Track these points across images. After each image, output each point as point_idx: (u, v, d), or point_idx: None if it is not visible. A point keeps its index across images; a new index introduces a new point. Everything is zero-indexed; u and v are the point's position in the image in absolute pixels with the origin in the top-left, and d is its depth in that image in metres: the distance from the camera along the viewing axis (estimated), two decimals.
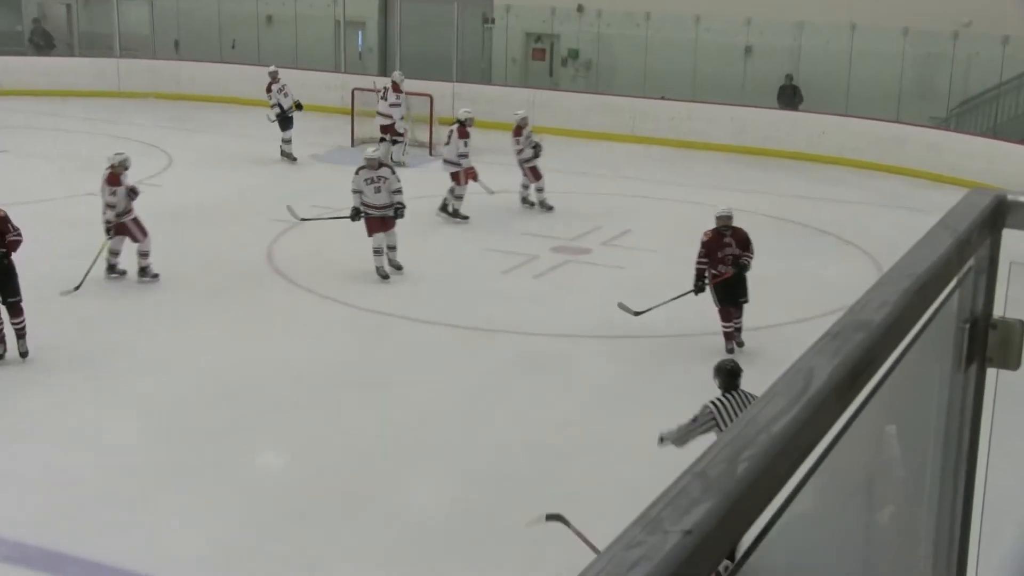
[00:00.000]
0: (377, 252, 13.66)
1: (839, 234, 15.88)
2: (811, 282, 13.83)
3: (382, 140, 20.00)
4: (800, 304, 12.77)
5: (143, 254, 13.10)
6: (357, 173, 13.86)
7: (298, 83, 25.22)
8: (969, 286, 1.92)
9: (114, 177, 12.89)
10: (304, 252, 14.67)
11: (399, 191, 13.89)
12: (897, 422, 1.77)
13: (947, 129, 21.33)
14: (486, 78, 26.08)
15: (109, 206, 12.88)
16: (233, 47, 27.99)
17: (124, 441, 9.12)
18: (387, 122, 20.37)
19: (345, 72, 26.09)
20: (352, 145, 21.66)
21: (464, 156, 16.57)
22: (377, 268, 13.58)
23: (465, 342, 11.66)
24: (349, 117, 22.23)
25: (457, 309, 12.48)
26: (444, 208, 16.62)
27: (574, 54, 26.13)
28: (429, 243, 15.31)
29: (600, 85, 25.10)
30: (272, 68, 20.53)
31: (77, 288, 12.25)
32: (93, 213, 13.32)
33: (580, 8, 25.69)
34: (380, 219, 13.66)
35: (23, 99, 25.17)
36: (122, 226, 12.98)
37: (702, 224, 16.68)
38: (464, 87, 24.13)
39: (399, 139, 20.49)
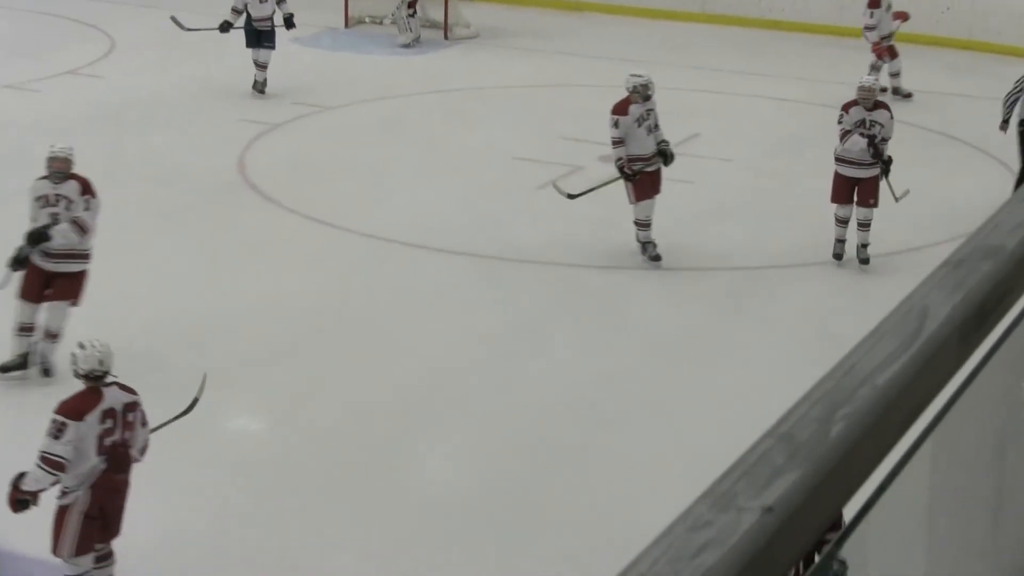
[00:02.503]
0: None
1: (969, 140, 15.69)
2: (932, 200, 13.69)
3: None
4: (917, 226, 12.70)
5: None
6: None
7: None
8: None
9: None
10: (284, 161, 14.68)
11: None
12: None
13: None
14: None
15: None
16: None
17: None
18: None
19: None
20: (346, 26, 21.55)
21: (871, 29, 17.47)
22: None
23: (489, 276, 11.66)
24: None
25: (479, 234, 12.47)
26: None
27: None
28: (448, 152, 15.28)
29: None
30: None
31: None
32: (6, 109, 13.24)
33: None
34: None
35: None
36: None
37: (788, 127, 16.69)
38: None
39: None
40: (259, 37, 16.78)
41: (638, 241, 11.84)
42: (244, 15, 16.74)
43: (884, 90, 16.77)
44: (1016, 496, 2.07)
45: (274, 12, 16.76)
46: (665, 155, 11.85)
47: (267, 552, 7.69)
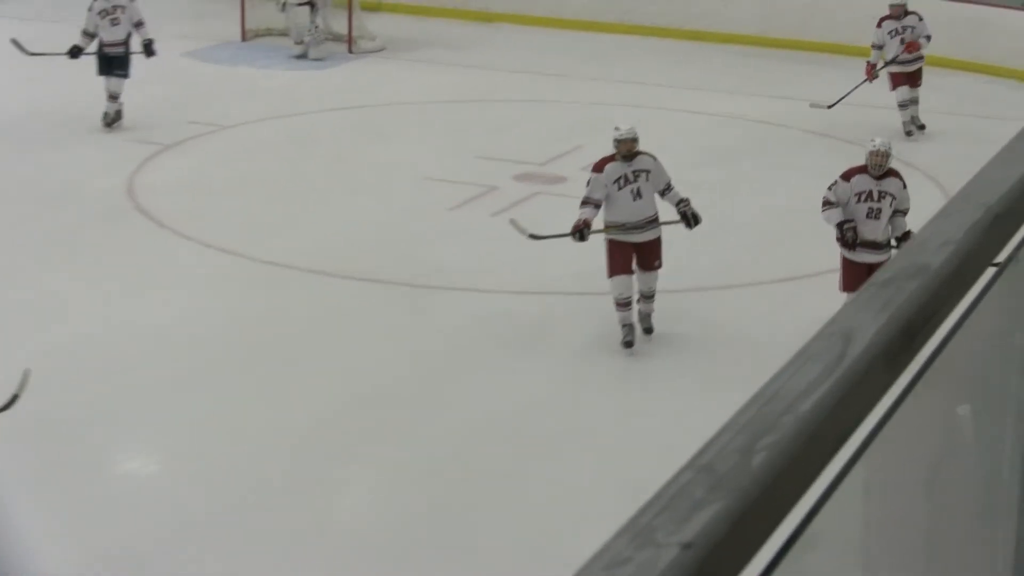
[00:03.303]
0: None
1: (897, 152, 15.89)
2: None
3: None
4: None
5: None
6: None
7: None
8: None
9: None
10: (178, 183, 14.59)
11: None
12: (968, 399, 1.79)
13: None
14: None
15: None
16: None
17: None
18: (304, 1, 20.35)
19: None
20: (243, 39, 21.48)
21: (928, 38, 16.42)
22: None
23: (400, 303, 11.64)
24: (236, 1, 22.00)
25: (388, 259, 12.45)
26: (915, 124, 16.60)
27: None
28: (354, 173, 15.26)
29: None
30: None
31: None
32: None
33: None
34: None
35: None
36: None
37: (714, 139, 16.81)
38: None
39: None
40: (111, 64, 15.91)
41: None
42: (96, 39, 15.86)
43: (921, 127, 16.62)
44: (951, 523, 2.10)
45: (129, 36, 16.00)
46: (686, 218, 10.62)
47: None
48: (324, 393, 9.89)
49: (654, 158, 10.54)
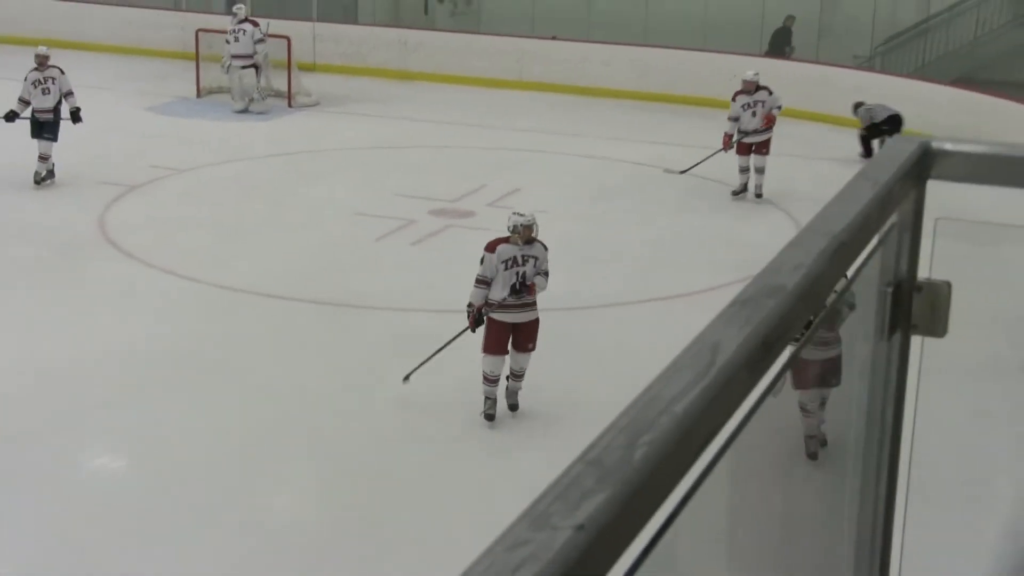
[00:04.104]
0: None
1: (753, 188, 16.10)
2: (723, 244, 14.03)
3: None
4: (712, 269, 12.93)
5: None
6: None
7: (131, 22, 24.89)
8: (892, 245, 1.96)
9: None
10: (142, 219, 14.44)
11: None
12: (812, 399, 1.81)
13: (871, 70, 21.74)
14: (351, 16, 25.87)
15: None
16: None
17: None
18: (249, 62, 20.31)
19: (185, 10, 25.65)
20: (198, 95, 21.33)
21: (780, 108, 15.80)
22: None
23: (332, 321, 11.58)
24: (191, 63, 21.83)
25: (323, 283, 12.39)
26: (744, 189, 15.89)
27: None
28: (292, 209, 15.18)
29: (481, 24, 25.05)
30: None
31: None
32: None
33: None
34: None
35: None
36: None
37: (600, 179, 16.92)
38: (326, 27, 23.90)
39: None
40: (42, 128, 15.29)
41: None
42: (29, 106, 15.32)
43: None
44: (802, 505, 2.11)
45: (59, 104, 15.44)
46: (520, 286, 9.30)
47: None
48: (261, 402, 9.79)
49: (545, 247, 9.52)
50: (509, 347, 9.43)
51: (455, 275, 12.45)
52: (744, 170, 15.70)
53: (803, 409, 4.44)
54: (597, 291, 12.42)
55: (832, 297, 1.64)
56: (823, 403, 4.77)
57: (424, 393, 9.70)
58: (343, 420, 9.54)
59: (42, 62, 15.41)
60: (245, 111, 20.29)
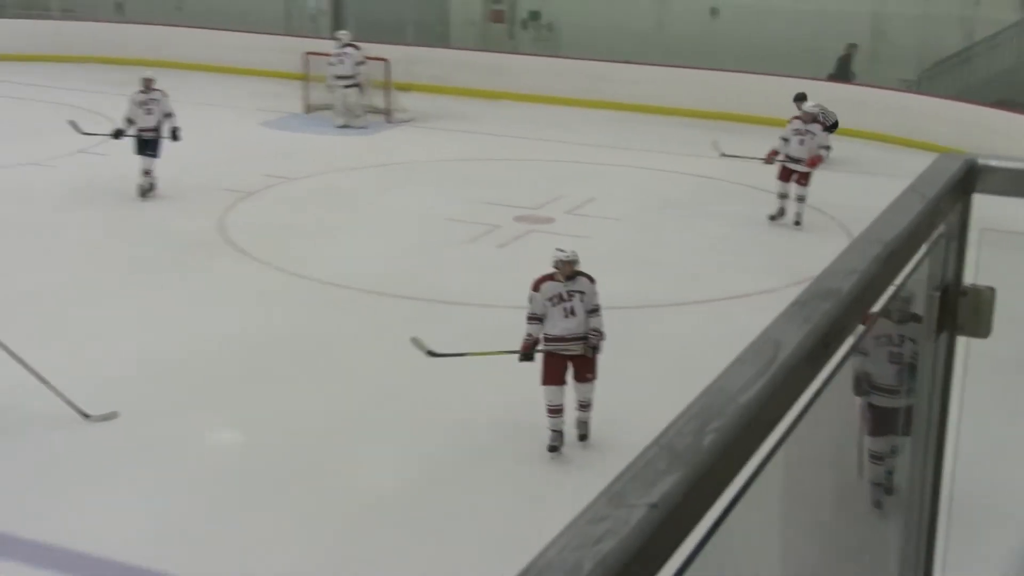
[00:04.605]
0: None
1: (793, 216, 15.93)
2: (775, 251, 13.92)
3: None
4: (767, 273, 12.85)
5: None
6: None
7: (246, 46, 25.19)
8: (939, 253, 1.95)
9: None
10: (257, 222, 14.59)
11: None
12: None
13: (916, 92, 21.44)
14: (443, 41, 25.96)
15: None
16: (179, 9, 27.77)
17: (69, 412, 9.01)
18: (352, 82, 20.54)
19: (295, 35, 25.89)
20: (306, 112, 21.53)
21: (828, 148, 15.14)
22: None
23: (423, 315, 11.62)
24: (299, 82, 22.05)
25: (415, 281, 12.45)
26: (781, 214, 15.01)
27: (534, 16, 26.05)
28: (390, 214, 15.27)
29: (561, 48, 25.03)
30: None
31: None
32: (31, 181, 13.13)
33: None
34: None
35: None
36: None
37: (667, 190, 16.84)
38: (421, 51, 24.02)
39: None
40: (144, 145, 15.25)
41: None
42: (134, 125, 15.26)
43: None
44: (851, 488, 2.09)
45: (160, 123, 15.26)
46: (588, 345, 8.67)
47: (236, 539, 7.58)
48: (360, 386, 9.85)
49: (591, 280, 8.80)
50: (571, 379, 8.75)
51: (536, 275, 12.46)
52: (783, 196, 14.99)
53: (873, 456, 4.05)
54: (658, 292, 12.38)
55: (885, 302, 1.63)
56: (893, 451, 4.10)
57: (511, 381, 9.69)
58: (429, 404, 9.58)
59: (147, 85, 15.38)
60: (347, 126, 20.43)
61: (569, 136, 20.12)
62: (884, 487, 2.28)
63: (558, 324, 8.61)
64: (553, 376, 8.67)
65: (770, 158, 15.15)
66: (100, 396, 9.24)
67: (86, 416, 8.94)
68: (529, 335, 8.69)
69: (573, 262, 8.72)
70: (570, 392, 8.78)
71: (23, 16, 27.77)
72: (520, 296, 11.85)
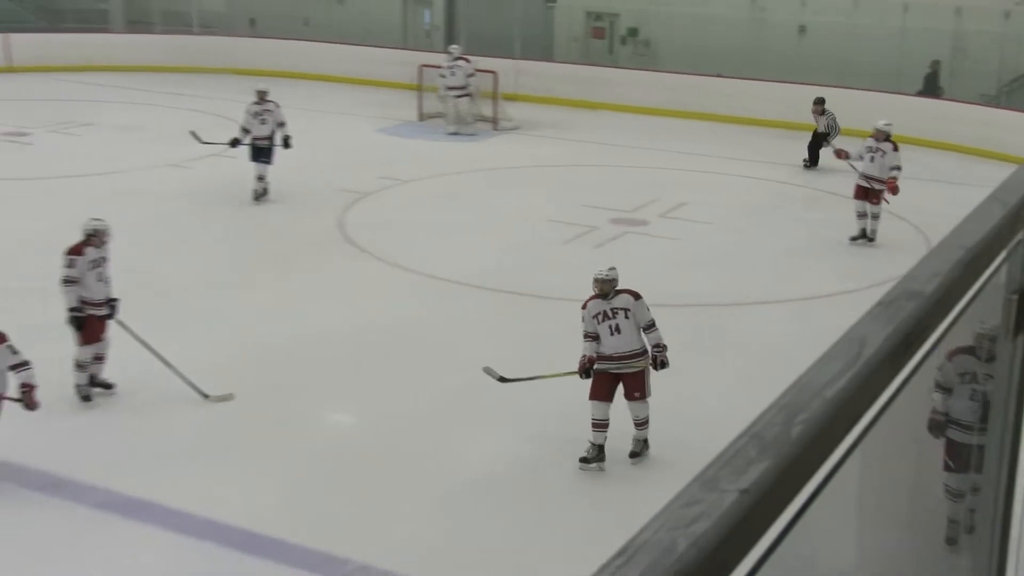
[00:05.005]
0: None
1: (888, 207, 15.65)
2: (859, 254, 13.70)
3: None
4: (848, 275, 12.66)
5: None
6: None
7: (366, 59, 25.48)
8: (1018, 258, 1.90)
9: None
10: (372, 221, 14.74)
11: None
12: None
13: (996, 106, 20.93)
14: (547, 55, 25.97)
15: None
16: (306, 24, 28.20)
17: (191, 393, 9.18)
18: (463, 93, 20.70)
19: (410, 49, 26.11)
20: (420, 120, 21.70)
21: (898, 169, 14.08)
22: None
23: (524, 308, 11.65)
24: (414, 92, 22.24)
25: (517, 277, 12.48)
26: (863, 235, 14.18)
27: (633, 33, 25.96)
28: (495, 214, 15.32)
29: (657, 63, 24.89)
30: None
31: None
32: (168, 181, 13.31)
33: None
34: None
35: (109, 74, 25.47)
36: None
37: (754, 196, 16.66)
38: (526, 64, 24.06)
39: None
40: (259, 153, 15.26)
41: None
42: (249, 134, 15.25)
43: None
44: (928, 479, 2.05)
45: (273, 133, 15.24)
46: (656, 361, 8.24)
47: (353, 511, 7.66)
48: (466, 373, 9.87)
49: (636, 297, 8.27)
50: (623, 397, 8.28)
51: (630, 274, 12.36)
52: (861, 215, 14.15)
53: (953, 493, 3.29)
54: (745, 291, 12.26)
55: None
56: (975, 489, 3.66)
57: None
58: (529, 391, 9.58)
59: (261, 97, 15.40)
60: (457, 133, 20.54)
61: (663, 144, 20.00)
62: (963, 525, 2.16)
63: (606, 342, 8.17)
64: (598, 392, 8.20)
65: (841, 154, 14.72)
66: (220, 379, 9.41)
67: (205, 396, 9.11)
68: (583, 354, 8.22)
69: (608, 280, 8.23)
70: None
71: (169, 32, 28.45)
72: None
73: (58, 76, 24.89)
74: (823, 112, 18.05)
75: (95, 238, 9.21)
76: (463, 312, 11.53)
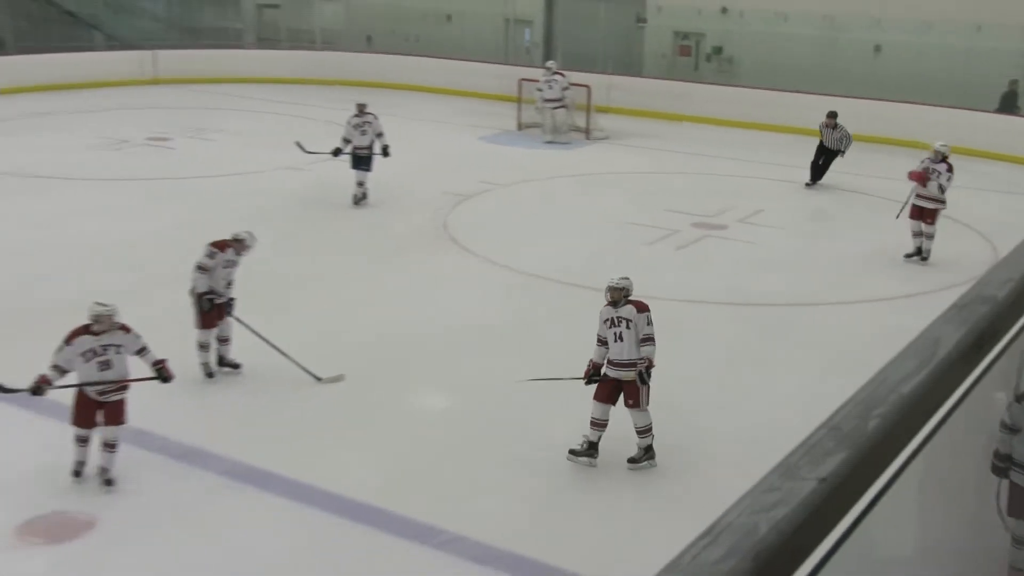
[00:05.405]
0: None
1: (953, 216, 15.26)
2: (936, 259, 13.38)
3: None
4: (913, 279, 12.40)
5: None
6: None
7: (470, 73, 25.60)
8: None
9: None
10: (473, 221, 14.78)
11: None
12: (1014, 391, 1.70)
13: None
14: (637, 71, 25.81)
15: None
16: (417, 41, 28.44)
17: (304, 376, 9.29)
18: (559, 104, 20.69)
19: (512, 64, 26.16)
20: (518, 129, 21.73)
21: (943, 190, 13.29)
22: None
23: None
24: (513, 104, 22.29)
25: (602, 274, 12.37)
26: (918, 252, 13.37)
27: (717, 51, 25.70)
28: (585, 217, 15.28)
29: (740, 79, 24.59)
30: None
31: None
32: (282, 183, 13.40)
33: (724, 10, 25.28)
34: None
35: (240, 86, 25.96)
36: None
37: (826, 204, 16.37)
38: (618, 79, 23.95)
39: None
40: (359, 161, 15.06)
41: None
42: (350, 144, 15.04)
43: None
44: (989, 481, 1.99)
45: (373, 143, 15.01)
46: (640, 375, 7.79)
47: (449, 483, 7.69)
48: (551, 361, 9.85)
49: (640, 309, 7.85)
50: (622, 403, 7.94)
51: (709, 274, 12.32)
52: (916, 234, 13.31)
53: (1016, 540, 3.21)
54: (814, 291, 12.05)
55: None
56: None
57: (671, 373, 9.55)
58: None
59: (361, 109, 15.19)
60: (552, 142, 20.52)
61: (743, 155, 19.76)
62: None
63: (611, 348, 7.87)
64: (599, 394, 7.92)
65: (918, 177, 13.41)
66: (331, 362, 9.51)
67: (318, 379, 9.21)
68: (591, 360, 7.99)
69: (618, 289, 7.89)
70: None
71: (293, 47, 28.91)
72: (690, 291, 11.79)
73: (196, 88, 25.46)
74: (835, 127, 17.11)
75: (239, 244, 9.34)
76: (550, 306, 11.50)
